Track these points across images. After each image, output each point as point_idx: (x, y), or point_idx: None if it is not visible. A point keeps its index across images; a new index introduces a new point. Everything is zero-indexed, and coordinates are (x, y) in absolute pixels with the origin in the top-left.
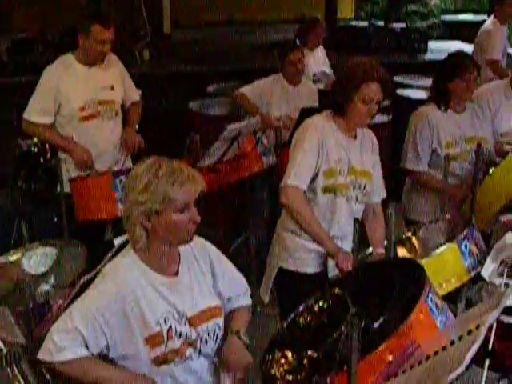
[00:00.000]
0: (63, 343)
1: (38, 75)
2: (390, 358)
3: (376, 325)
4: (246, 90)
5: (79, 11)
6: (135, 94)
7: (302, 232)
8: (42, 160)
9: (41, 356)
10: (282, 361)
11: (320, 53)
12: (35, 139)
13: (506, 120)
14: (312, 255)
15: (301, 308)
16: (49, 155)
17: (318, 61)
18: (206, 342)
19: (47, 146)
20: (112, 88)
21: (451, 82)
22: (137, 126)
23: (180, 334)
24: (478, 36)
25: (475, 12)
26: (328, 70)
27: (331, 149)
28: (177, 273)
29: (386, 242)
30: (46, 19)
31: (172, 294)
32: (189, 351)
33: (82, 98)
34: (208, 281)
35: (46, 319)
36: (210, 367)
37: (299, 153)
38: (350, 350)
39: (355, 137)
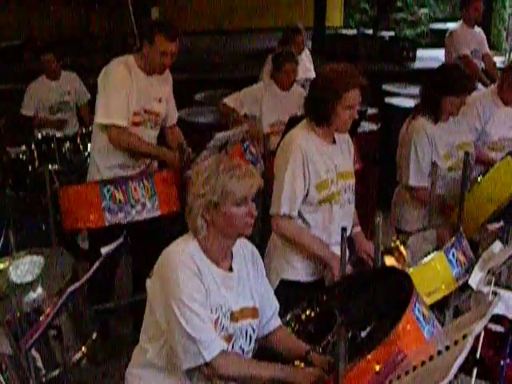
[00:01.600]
0: (202, 337)
1: (26, 83)
2: (378, 367)
3: (363, 334)
4: (231, 100)
5: (67, 19)
6: (175, 116)
7: None
8: (30, 168)
9: (189, 364)
10: None
11: (305, 57)
12: (23, 147)
13: (497, 128)
14: (311, 264)
15: (288, 317)
16: (37, 163)
17: (300, 68)
18: (239, 338)
19: (35, 154)
20: (160, 101)
21: (446, 97)
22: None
23: (223, 327)
24: (445, 40)
25: None
26: (312, 75)
27: (318, 161)
28: (230, 268)
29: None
30: (34, 26)
31: (224, 287)
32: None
33: (138, 103)
34: (252, 282)
35: (34, 328)
36: None
37: (286, 178)
38: (337, 360)
39: (334, 141)
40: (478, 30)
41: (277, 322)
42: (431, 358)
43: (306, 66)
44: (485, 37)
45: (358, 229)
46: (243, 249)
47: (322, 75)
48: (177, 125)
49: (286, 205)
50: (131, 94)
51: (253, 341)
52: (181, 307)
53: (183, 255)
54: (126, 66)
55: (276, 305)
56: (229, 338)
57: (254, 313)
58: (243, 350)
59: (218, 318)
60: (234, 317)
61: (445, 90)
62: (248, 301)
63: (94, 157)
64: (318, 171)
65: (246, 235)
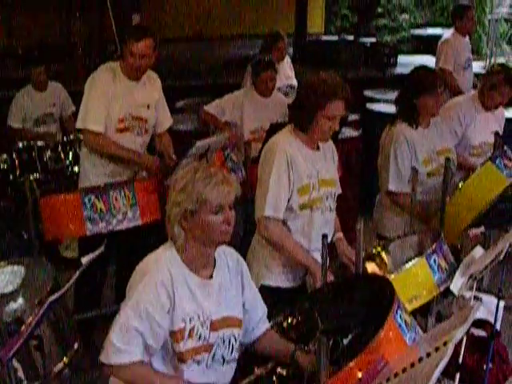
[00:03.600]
0: (120, 345)
1: (8, 90)
2: (360, 374)
3: (345, 341)
4: (211, 107)
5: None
6: (166, 122)
7: None
8: (11, 177)
9: (101, 359)
10: (252, 377)
11: (286, 64)
12: (4, 156)
13: (478, 133)
14: (292, 270)
15: (270, 324)
16: (18, 172)
17: (282, 75)
18: (220, 347)
19: (16, 163)
20: (148, 107)
21: (418, 98)
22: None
23: (200, 336)
24: (438, 48)
25: (444, 26)
26: (294, 82)
27: (301, 166)
28: (211, 276)
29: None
30: (14, 34)
31: (202, 296)
32: (202, 356)
33: (123, 109)
34: (235, 291)
35: (15, 339)
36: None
37: (270, 181)
38: (319, 368)
39: (318, 148)
40: (467, 38)
41: (264, 326)
42: (413, 365)
43: (288, 73)
44: None
45: (340, 235)
46: (227, 258)
47: (308, 83)
48: (168, 134)
49: (271, 207)
50: (114, 99)
51: (235, 350)
52: (123, 312)
53: (156, 264)
54: (111, 71)
55: (264, 309)
56: (208, 348)
57: (236, 322)
58: (224, 359)
59: (194, 327)
60: (214, 326)
61: (417, 91)
62: (231, 310)
63: (83, 164)
64: (300, 175)
65: (223, 243)
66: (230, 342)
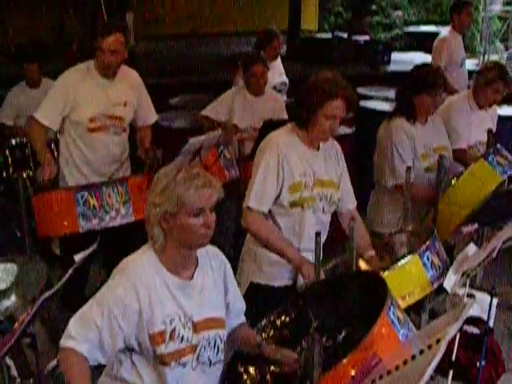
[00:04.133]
0: (74, 332)
1: (1, 87)
2: (353, 372)
3: (339, 338)
4: (207, 111)
5: (41, 23)
6: (151, 118)
7: None
8: (3, 174)
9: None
10: (245, 376)
11: (277, 63)
12: None
13: (472, 132)
14: (282, 268)
15: (263, 322)
16: (11, 169)
17: (276, 73)
18: (205, 349)
19: (9, 160)
20: (125, 104)
21: (417, 96)
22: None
23: (182, 338)
24: (434, 45)
25: (437, 23)
26: (286, 79)
27: (294, 163)
28: (191, 277)
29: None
30: (6, 30)
31: (183, 297)
32: (187, 358)
33: (94, 109)
34: (218, 292)
35: (8, 336)
36: None
37: (259, 173)
38: (312, 365)
39: (318, 148)
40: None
41: (239, 319)
42: (405, 362)
43: (281, 70)
44: None
45: (372, 253)
46: (211, 258)
47: (310, 81)
48: (150, 127)
49: (253, 198)
50: (83, 99)
51: (220, 351)
52: (89, 303)
53: (131, 265)
54: (81, 71)
55: (242, 304)
56: (192, 349)
57: (220, 323)
58: (210, 362)
59: (175, 328)
60: (196, 327)
61: (415, 89)
62: (214, 311)
63: (61, 165)
64: (292, 172)
65: (203, 246)
66: (215, 343)
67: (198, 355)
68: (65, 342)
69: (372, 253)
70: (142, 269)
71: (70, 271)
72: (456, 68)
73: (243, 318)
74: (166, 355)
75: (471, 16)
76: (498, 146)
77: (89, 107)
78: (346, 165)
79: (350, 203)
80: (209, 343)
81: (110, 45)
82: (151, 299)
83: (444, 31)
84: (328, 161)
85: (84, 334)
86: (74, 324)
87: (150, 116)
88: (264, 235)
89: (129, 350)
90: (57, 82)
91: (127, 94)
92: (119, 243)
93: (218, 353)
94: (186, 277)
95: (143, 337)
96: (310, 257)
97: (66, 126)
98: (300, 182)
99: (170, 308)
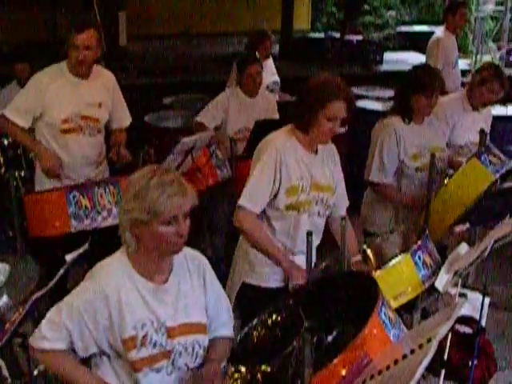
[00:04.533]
0: (47, 333)
1: None
2: (344, 372)
3: (330, 338)
4: (202, 117)
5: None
6: (125, 120)
7: None
8: None
9: (29, 341)
10: (236, 376)
11: (268, 63)
12: None
13: (464, 133)
14: (275, 270)
15: (254, 322)
16: (3, 169)
17: (268, 72)
18: (181, 355)
19: (1, 160)
20: (100, 105)
21: (415, 97)
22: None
23: (155, 344)
24: (429, 45)
25: (430, 23)
26: (278, 78)
27: (292, 166)
28: (166, 281)
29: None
30: (1, 31)
31: (155, 302)
32: (161, 363)
33: (66, 110)
34: (197, 296)
35: None
36: None
37: (255, 173)
38: (303, 365)
39: (316, 151)
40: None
41: (225, 331)
42: (396, 362)
43: (273, 70)
44: None
45: (359, 258)
46: (189, 262)
47: (311, 82)
48: (124, 131)
49: (247, 198)
50: (56, 100)
51: (199, 357)
52: (59, 305)
53: (103, 270)
54: (55, 71)
55: (228, 316)
56: (166, 355)
57: (199, 329)
58: (188, 367)
59: (147, 334)
60: (170, 333)
61: (412, 89)
62: (192, 316)
63: (37, 167)
64: (289, 175)
65: (174, 254)
66: (193, 349)
67: (173, 360)
68: (39, 343)
69: (358, 258)
70: (112, 273)
71: (62, 271)
72: (449, 68)
73: (228, 333)
74: (138, 361)
75: (465, 17)
76: (490, 145)
77: (62, 108)
78: (340, 168)
79: (342, 208)
80: (186, 349)
81: (84, 41)
82: (121, 304)
83: (438, 31)
84: (325, 164)
85: (56, 337)
86: (45, 326)
87: (125, 118)
88: (255, 235)
89: (104, 354)
90: (29, 82)
91: (102, 95)
92: (110, 243)
93: (196, 358)
94: (159, 281)
95: (115, 342)
96: (303, 259)
97: (40, 127)
98: (297, 185)
99: (141, 313)
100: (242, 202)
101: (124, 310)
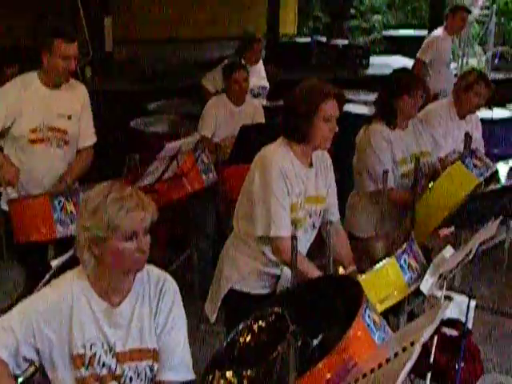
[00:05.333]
0: None
1: None
2: (329, 375)
3: (315, 342)
4: (205, 131)
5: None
6: (88, 139)
7: (259, 256)
8: None
9: None
10: (222, 381)
11: (260, 66)
12: None
13: (450, 141)
14: (264, 277)
15: (240, 327)
16: None
17: (255, 77)
18: (131, 380)
19: None
20: (69, 118)
21: (397, 99)
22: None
23: (104, 364)
24: (426, 44)
25: (416, 27)
26: (266, 83)
27: (292, 183)
28: (120, 303)
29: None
30: None
31: (107, 323)
32: None
33: (35, 120)
34: (151, 322)
35: None
36: None
37: (272, 201)
38: (287, 369)
39: (311, 164)
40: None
41: (164, 377)
42: (380, 366)
43: (262, 75)
44: None
45: (354, 268)
46: (151, 286)
47: (298, 89)
48: (90, 149)
49: (276, 226)
50: (24, 109)
51: (148, 381)
52: (11, 311)
53: (61, 283)
54: (23, 81)
55: (180, 360)
56: (116, 377)
57: (152, 354)
58: None
59: (96, 354)
60: (120, 358)
61: (395, 92)
62: (144, 342)
63: None
64: (291, 193)
65: (136, 271)
66: (145, 375)
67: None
68: None
69: (354, 268)
70: (69, 287)
71: (47, 277)
72: (443, 68)
73: (171, 378)
74: (87, 379)
75: (465, 20)
76: (475, 148)
77: (31, 118)
78: (334, 176)
79: (334, 215)
80: (137, 375)
81: (74, 51)
82: (72, 320)
83: (437, 31)
84: (319, 176)
85: (4, 341)
86: None
87: (87, 137)
88: (300, 263)
89: (55, 368)
90: None
91: (72, 107)
92: None
93: (147, 382)
94: (115, 302)
95: (63, 357)
96: None
97: (7, 138)
98: (296, 202)
99: (92, 332)
100: (274, 232)
101: (74, 326)
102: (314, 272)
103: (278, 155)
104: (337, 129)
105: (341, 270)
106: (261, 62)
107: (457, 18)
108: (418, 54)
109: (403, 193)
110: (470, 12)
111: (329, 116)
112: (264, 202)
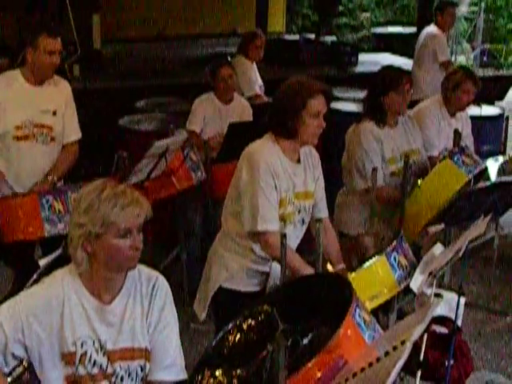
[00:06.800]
0: None
1: None
2: (319, 374)
3: (305, 341)
4: (193, 126)
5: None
6: (73, 135)
7: (248, 254)
8: None
9: None
10: (211, 380)
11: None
12: None
13: (441, 139)
14: (253, 274)
15: (229, 326)
16: None
17: (258, 74)
18: (122, 379)
19: None
20: (54, 113)
21: (385, 96)
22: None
23: (94, 363)
24: (422, 43)
25: (404, 24)
26: (261, 82)
27: (281, 179)
28: (112, 301)
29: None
30: None
31: (99, 322)
32: (103, 383)
33: (20, 116)
34: (143, 321)
35: None
36: None
37: (259, 196)
38: (277, 368)
39: (299, 159)
40: None
41: (158, 377)
42: (371, 365)
43: (257, 73)
44: None
45: (343, 266)
46: (143, 285)
47: (285, 86)
48: (74, 145)
49: (263, 220)
50: (8, 106)
51: (139, 380)
52: (3, 307)
53: (52, 280)
54: (6, 78)
55: (172, 361)
56: (107, 376)
57: (143, 354)
58: None
59: (87, 352)
60: (110, 357)
61: (383, 89)
62: (134, 341)
63: None
64: (279, 188)
65: (130, 269)
66: (136, 374)
67: (115, 383)
68: None
69: (343, 266)
70: (60, 285)
71: (35, 276)
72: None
73: (165, 378)
74: (78, 376)
75: (454, 16)
76: (464, 145)
77: (15, 114)
78: (321, 172)
79: (322, 212)
80: (128, 374)
81: (58, 46)
82: (63, 318)
83: (429, 28)
84: (307, 171)
85: None
86: None
87: (72, 132)
88: (287, 255)
89: (44, 366)
90: None
91: (56, 103)
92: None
93: (138, 382)
94: (106, 300)
95: (53, 355)
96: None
97: None
98: (284, 198)
99: (83, 330)
100: (261, 227)
101: (65, 324)
102: (305, 268)
103: (264, 151)
104: (324, 125)
105: (329, 268)
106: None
107: (446, 14)
108: (440, 59)
109: (392, 191)
110: (457, 5)
111: (316, 112)
112: (251, 197)
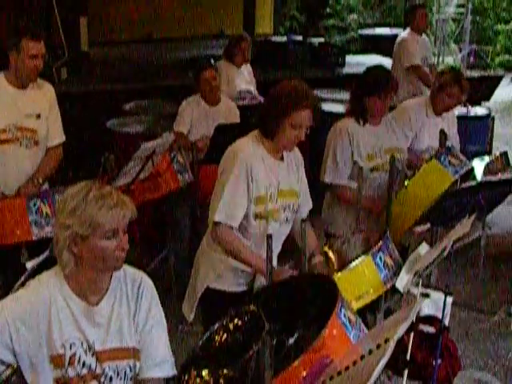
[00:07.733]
0: None
1: None
2: (304, 373)
3: (291, 341)
4: (181, 127)
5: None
6: (56, 138)
7: None
8: None
9: None
10: (198, 380)
11: (246, 71)
12: None
13: (426, 138)
14: (239, 274)
15: (216, 326)
16: None
17: (241, 80)
18: (111, 379)
19: None
20: (38, 117)
21: (368, 98)
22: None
23: (84, 364)
24: (395, 48)
25: (392, 26)
26: (253, 89)
27: (260, 175)
28: (99, 302)
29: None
30: None
31: (86, 323)
32: (92, 383)
33: (4, 120)
34: (130, 321)
35: None
36: None
37: (228, 187)
38: (263, 368)
39: (282, 158)
40: (424, 36)
41: (150, 374)
42: (355, 363)
43: (247, 79)
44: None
45: (320, 258)
46: (128, 286)
47: (278, 89)
48: (58, 148)
49: (222, 212)
50: None
51: (129, 379)
52: None
53: (38, 283)
54: None
55: (163, 358)
56: (96, 376)
57: (132, 354)
58: None
59: (76, 354)
60: (100, 357)
61: (366, 91)
62: (122, 341)
63: None
64: (258, 185)
65: (116, 269)
66: (125, 374)
67: (104, 383)
68: None
69: (320, 258)
70: (46, 288)
71: (22, 278)
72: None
73: (159, 374)
74: (68, 378)
75: (426, 17)
76: (450, 145)
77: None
78: (303, 170)
79: (305, 211)
80: (117, 374)
81: (42, 49)
82: (51, 320)
83: (403, 33)
84: (291, 170)
85: None
86: None
87: (56, 135)
88: (235, 249)
89: (33, 369)
90: None
91: (41, 106)
92: None
93: (126, 381)
94: (93, 301)
95: (42, 358)
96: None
97: None
98: (265, 194)
99: (71, 332)
100: (218, 217)
101: (53, 326)
102: (258, 262)
103: (246, 150)
104: (303, 138)
105: (326, 250)
106: (248, 66)
107: (417, 17)
108: (407, 63)
109: (370, 199)
110: (425, 7)
111: (297, 124)
112: (220, 190)
